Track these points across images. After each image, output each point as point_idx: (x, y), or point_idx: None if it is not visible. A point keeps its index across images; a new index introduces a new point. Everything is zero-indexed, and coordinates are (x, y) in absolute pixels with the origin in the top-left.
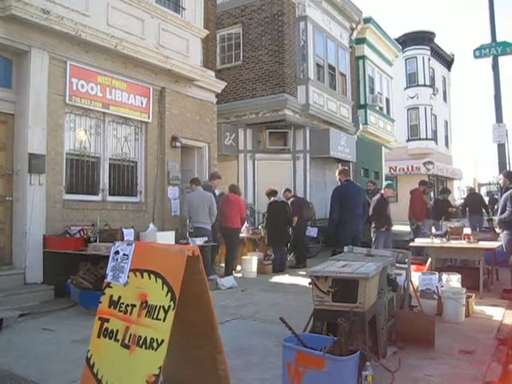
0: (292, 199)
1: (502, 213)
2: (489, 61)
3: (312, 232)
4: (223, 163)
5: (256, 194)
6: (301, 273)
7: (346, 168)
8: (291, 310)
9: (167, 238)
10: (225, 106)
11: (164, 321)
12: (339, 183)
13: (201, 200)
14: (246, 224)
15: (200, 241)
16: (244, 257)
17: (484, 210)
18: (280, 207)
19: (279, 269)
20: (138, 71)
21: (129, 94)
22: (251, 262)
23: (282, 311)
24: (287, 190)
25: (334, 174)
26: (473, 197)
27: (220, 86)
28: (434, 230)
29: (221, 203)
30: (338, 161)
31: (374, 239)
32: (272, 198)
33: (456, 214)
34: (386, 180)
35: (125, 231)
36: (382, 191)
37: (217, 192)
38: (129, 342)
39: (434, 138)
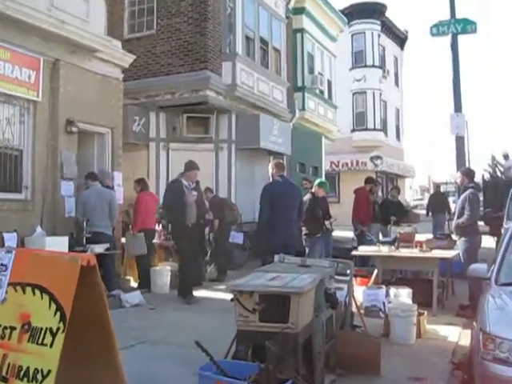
0: (210, 199)
1: (459, 217)
2: (447, 40)
3: (237, 238)
4: (130, 154)
5: (161, 191)
6: (222, 287)
7: (282, 162)
8: (211, 332)
9: (59, 244)
10: (133, 84)
11: (51, 346)
12: (271, 179)
13: (99, 199)
14: (157, 227)
15: (100, 248)
16: (154, 268)
17: (447, 213)
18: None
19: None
20: (25, 38)
21: (13, 66)
22: (163, 274)
23: (199, 333)
24: (208, 189)
25: (265, 169)
26: (437, 197)
27: (128, 59)
28: (381, 236)
29: (135, 204)
30: (270, 153)
31: (308, 248)
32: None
33: (412, 217)
34: (322, 178)
35: (5, 236)
36: (313, 189)
37: (185, 186)
38: (7, 374)
39: (384, 129)
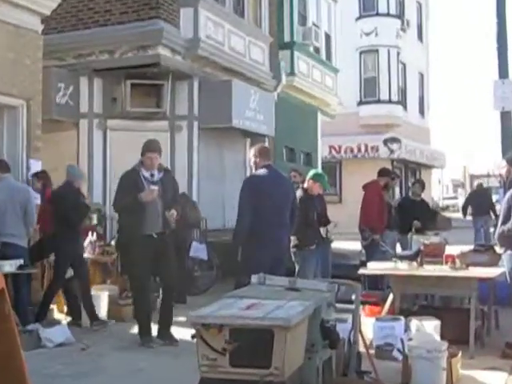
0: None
1: (504, 222)
2: None
3: (199, 251)
4: (53, 135)
5: (107, 187)
6: (180, 319)
7: (267, 147)
8: (164, 382)
9: None
10: (58, 38)
11: None
12: (253, 170)
13: (9, 198)
14: (90, 238)
15: (10, 266)
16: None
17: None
18: None
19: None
20: None
21: None
22: (98, 300)
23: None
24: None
25: (239, 157)
26: (478, 195)
27: (50, 3)
28: (398, 248)
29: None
30: (246, 135)
31: (299, 264)
32: None
33: (441, 222)
34: (318, 169)
35: None
36: (305, 185)
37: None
38: None
39: (402, 101)
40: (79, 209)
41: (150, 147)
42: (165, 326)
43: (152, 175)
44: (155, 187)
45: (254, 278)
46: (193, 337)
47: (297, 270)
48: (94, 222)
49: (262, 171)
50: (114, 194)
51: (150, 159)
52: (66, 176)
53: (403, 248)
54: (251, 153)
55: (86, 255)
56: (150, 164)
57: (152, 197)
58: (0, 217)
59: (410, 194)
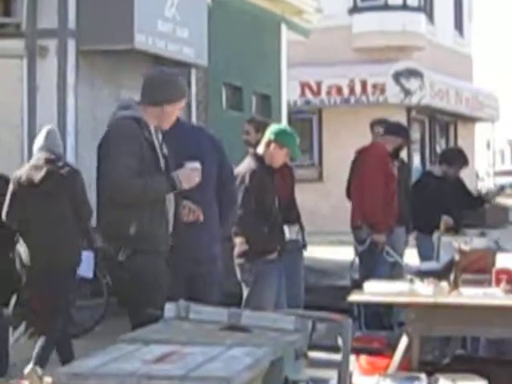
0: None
1: None
2: None
3: (83, 265)
4: None
5: None
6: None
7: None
8: None
9: None
10: None
11: None
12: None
13: None
14: None
15: None
16: None
17: None
18: None
19: None
20: None
21: None
22: None
23: None
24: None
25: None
26: None
27: None
28: (416, 258)
29: None
30: (159, 63)
31: (248, 285)
32: None
33: (491, 214)
34: (283, 124)
35: None
36: (261, 150)
37: None
38: None
39: (426, 8)
40: None
41: (183, 91)
42: None
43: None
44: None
45: (170, 310)
46: None
47: (245, 294)
48: None
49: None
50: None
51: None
52: None
53: (424, 257)
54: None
55: None
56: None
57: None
58: None
59: (437, 168)
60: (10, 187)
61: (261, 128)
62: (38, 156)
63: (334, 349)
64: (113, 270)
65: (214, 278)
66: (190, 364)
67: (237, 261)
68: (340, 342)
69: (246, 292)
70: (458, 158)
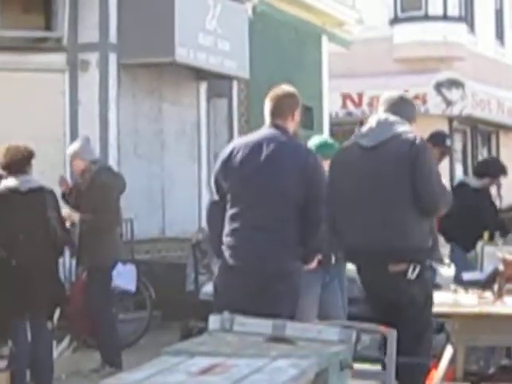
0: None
1: None
2: None
3: (123, 277)
4: None
5: None
6: None
7: (296, 93)
8: None
9: None
10: None
11: None
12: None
13: None
14: None
15: None
16: None
17: None
18: (25, 209)
19: (34, 382)
20: None
21: None
22: None
23: None
24: (75, 156)
25: (190, 112)
26: None
27: None
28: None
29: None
30: (200, 76)
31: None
32: (3, 182)
33: None
34: (324, 135)
35: None
36: None
37: None
38: None
39: (467, 18)
40: None
41: None
42: None
43: None
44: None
45: (214, 322)
46: None
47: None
48: None
49: (259, 135)
50: None
51: None
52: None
53: (461, 267)
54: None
55: None
56: None
57: None
58: None
59: (471, 179)
60: None
61: None
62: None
63: (379, 360)
64: None
65: (285, 293)
66: (235, 376)
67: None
68: (382, 353)
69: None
70: (491, 167)
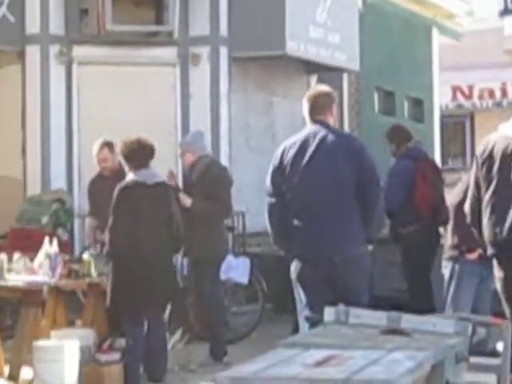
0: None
1: None
2: None
3: (235, 270)
4: None
5: (75, 164)
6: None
7: (330, 91)
8: None
9: None
10: None
11: None
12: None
13: None
14: (49, 248)
15: None
16: (41, 342)
17: None
18: (151, 201)
19: (148, 374)
20: None
21: None
22: (63, 356)
23: None
24: (186, 149)
25: (300, 105)
26: None
27: None
28: None
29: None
30: (310, 69)
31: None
32: (130, 175)
33: None
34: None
35: None
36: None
37: None
38: None
39: None
40: None
41: None
42: None
43: None
44: None
45: (330, 314)
46: None
47: (450, 294)
48: (45, 220)
49: (308, 133)
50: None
51: None
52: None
53: None
54: (304, 102)
55: (40, 278)
56: None
57: None
58: None
59: None
60: None
61: (400, 138)
62: None
63: (493, 354)
64: None
65: (354, 279)
66: (352, 368)
67: (446, 257)
68: (499, 347)
69: (451, 291)
70: None
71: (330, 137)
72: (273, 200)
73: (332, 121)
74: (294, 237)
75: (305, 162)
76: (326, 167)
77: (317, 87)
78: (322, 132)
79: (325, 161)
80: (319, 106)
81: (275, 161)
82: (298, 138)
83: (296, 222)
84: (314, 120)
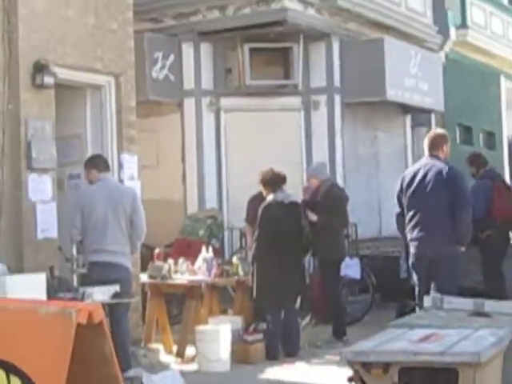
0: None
1: None
2: None
3: (350, 268)
4: (151, 120)
5: (224, 188)
6: (332, 358)
7: (444, 133)
8: None
9: (29, 287)
10: None
11: None
12: (446, 166)
13: (111, 202)
14: (205, 254)
15: (104, 293)
16: (201, 326)
17: None
18: (287, 216)
19: (285, 350)
20: None
21: None
22: (218, 337)
23: None
24: (312, 176)
25: (398, 140)
26: None
27: None
28: None
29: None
30: (406, 110)
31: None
32: (270, 196)
33: None
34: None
35: None
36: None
37: None
38: None
39: None
40: None
41: None
42: None
43: None
44: None
45: (428, 301)
46: (350, 380)
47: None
48: (202, 233)
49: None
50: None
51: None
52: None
53: None
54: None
55: (199, 277)
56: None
57: None
58: (96, 227)
59: None
60: None
61: (477, 163)
62: None
63: None
64: None
65: (445, 266)
66: (448, 342)
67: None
68: None
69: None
70: None
71: (435, 168)
72: (398, 211)
73: (443, 155)
74: (409, 238)
75: (415, 186)
76: (428, 190)
77: (435, 130)
78: (430, 164)
79: (428, 186)
80: (434, 144)
81: (398, 184)
82: (414, 167)
83: (409, 227)
84: (431, 155)
